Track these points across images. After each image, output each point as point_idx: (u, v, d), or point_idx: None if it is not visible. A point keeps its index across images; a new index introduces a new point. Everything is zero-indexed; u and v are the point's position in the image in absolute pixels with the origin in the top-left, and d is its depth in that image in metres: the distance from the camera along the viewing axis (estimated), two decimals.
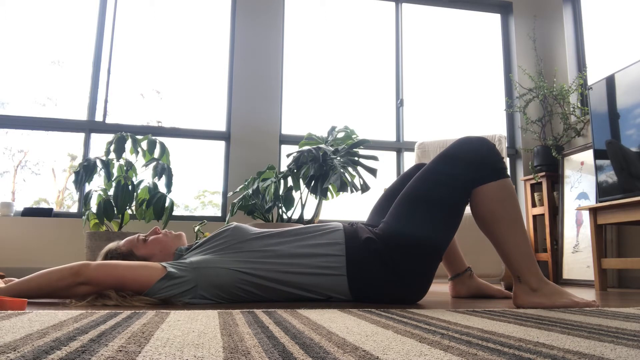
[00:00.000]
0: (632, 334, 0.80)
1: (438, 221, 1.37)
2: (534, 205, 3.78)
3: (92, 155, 3.46)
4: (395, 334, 0.76)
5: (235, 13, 3.88)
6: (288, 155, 2.93)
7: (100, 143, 3.61)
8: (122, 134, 2.79)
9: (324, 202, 3.05)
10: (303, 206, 3.02)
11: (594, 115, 2.87)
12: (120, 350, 0.58)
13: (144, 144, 2.85)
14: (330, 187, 2.94)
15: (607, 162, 2.75)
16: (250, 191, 2.88)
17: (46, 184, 3.77)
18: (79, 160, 3.64)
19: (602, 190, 2.76)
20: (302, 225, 1.51)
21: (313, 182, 2.81)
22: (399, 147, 4.00)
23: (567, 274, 3.42)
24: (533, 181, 3.73)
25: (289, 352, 0.59)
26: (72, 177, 3.10)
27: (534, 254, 1.67)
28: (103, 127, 3.59)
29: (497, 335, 0.76)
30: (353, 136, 3.08)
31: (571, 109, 3.73)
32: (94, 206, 2.71)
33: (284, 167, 3.58)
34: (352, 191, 2.73)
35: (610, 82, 2.78)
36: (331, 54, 4.11)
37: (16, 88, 3.62)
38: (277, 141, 3.73)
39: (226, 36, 3.92)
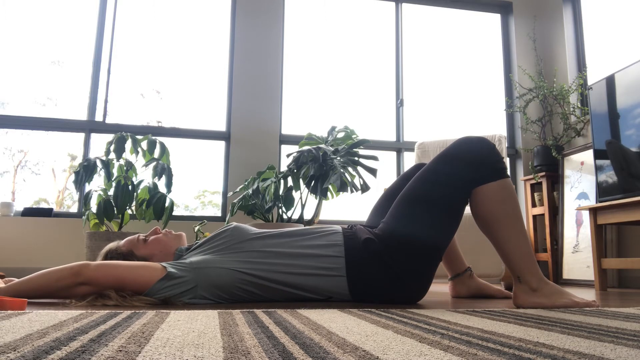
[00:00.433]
0: (632, 334, 0.80)
1: (438, 221, 1.37)
2: (534, 205, 3.78)
3: (92, 155, 3.47)
4: (395, 334, 0.76)
5: (235, 13, 3.88)
6: (288, 155, 2.93)
7: (100, 143, 3.61)
8: (122, 134, 2.79)
9: (324, 202, 3.05)
10: (303, 206, 3.02)
11: (594, 115, 2.87)
12: (120, 350, 0.58)
13: (144, 144, 2.85)
14: (330, 187, 2.94)
15: (607, 162, 2.75)
16: (250, 191, 2.88)
17: (46, 184, 3.77)
18: (79, 160, 3.64)
19: (602, 190, 2.76)
20: (302, 227, 1.51)
21: (313, 182, 2.81)
22: (399, 147, 4.00)
23: (567, 274, 3.42)
24: (533, 181, 3.73)
25: (289, 352, 0.59)
26: (72, 177, 3.10)
27: (534, 254, 1.67)
28: (103, 127, 3.59)
29: (497, 335, 0.76)
30: (353, 136, 3.08)
31: (571, 109, 3.73)
32: (94, 206, 2.71)
33: (284, 167, 3.58)
34: (352, 191, 2.73)
35: (610, 82, 2.78)
36: (331, 54, 4.11)
37: (16, 88, 3.62)
38: (277, 141, 3.73)
39: (226, 36, 3.92)
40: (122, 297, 1.24)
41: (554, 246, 3.57)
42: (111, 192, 2.69)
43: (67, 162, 3.82)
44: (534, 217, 3.80)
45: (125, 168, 2.78)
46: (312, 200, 3.11)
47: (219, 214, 3.70)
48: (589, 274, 3.20)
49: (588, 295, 2.09)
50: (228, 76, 3.85)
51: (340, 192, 2.93)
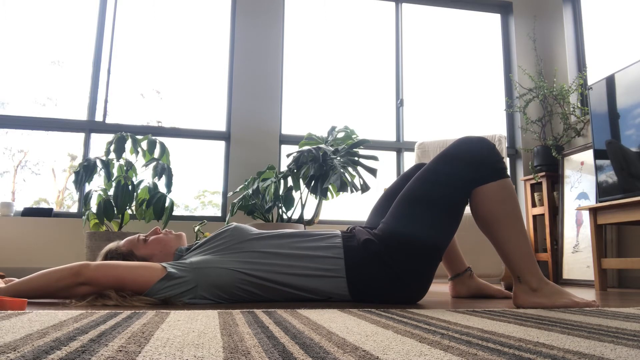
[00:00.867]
0: (632, 334, 0.80)
1: (438, 221, 1.37)
2: (534, 205, 3.78)
3: (92, 155, 3.47)
4: (395, 334, 0.76)
5: (235, 13, 3.88)
6: (288, 155, 2.93)
7: (100, 143, 3.61)
8: (122, 134, 2.79)
9: (324, 202, 3.05)
10: (303, 206, 3.02)
11: (594, 115, 2.87)
12: (120, 350, 0.58)
13: (144, 144, 2.85)
14: (330, 187, 2.94)
15: (607, 162, 2.75)
16: (250, 191, 2.88)
17: (46, 184, 3.77)
18: (79, 160, 3.64)
19: (602, 190, 2.76)
20: (302, 229, 1.51)
21: (313, 182, 2.81)
22: (399, 147, 4.00)
23: (567, 274, 3.42)
24: (533, 181, 3.73)
25: (289, 352, 0.59)
26: (72, 177, 3.10)
27: (534, 254, 1.67)
28: (103, 127, 3.59)
29: (497, 335, 0.76)
30: (353, 136, 3.08)
31: (571, 109, 3.73)
32: (94, 206, 2.71)
33: (284, 167, 3.58)
34: (352, 191, 2.73)
35: (610, 82, 2.78)
36: (331, 54, 4.11)
37: (16, 88, 3.62)
38: (277, 141, 3.73)
39: (226, 36, 3.92)
40: (122, 297, 1.24)
41: (554, 246, 3.57)
42: (111, 192, 2.69)
43: (67, 162, 3.82)
44: (534, 217, 3.80)
45: (125, 168, 2.78)
46: (312, 200, 3.11)
47: (219, 214, 3.70)
48: (589, 274, 3.20)
49: (588, 295, 2.09)
50: (228, 76, 3.85)
51: (340, 192, 2.93)
